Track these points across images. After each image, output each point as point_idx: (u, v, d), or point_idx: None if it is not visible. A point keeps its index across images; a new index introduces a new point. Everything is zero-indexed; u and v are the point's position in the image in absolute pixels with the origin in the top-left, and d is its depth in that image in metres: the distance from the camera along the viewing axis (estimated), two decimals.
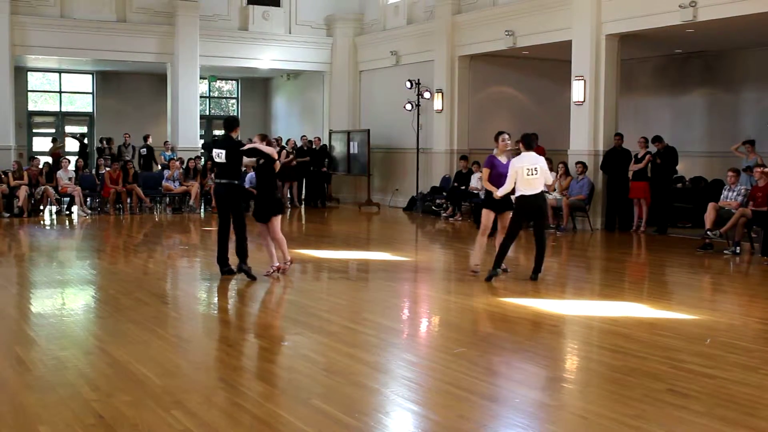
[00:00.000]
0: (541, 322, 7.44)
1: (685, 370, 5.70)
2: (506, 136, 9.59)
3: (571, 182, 14.92)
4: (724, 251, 11.83)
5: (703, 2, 12.90)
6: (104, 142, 20.12)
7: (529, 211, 9.27)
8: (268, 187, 9.47)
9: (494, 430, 4.70)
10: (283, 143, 21.00)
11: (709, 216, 12.13)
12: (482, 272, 9.52)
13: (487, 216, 9.57)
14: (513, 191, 9.22)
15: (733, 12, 12.62)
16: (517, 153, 9.54)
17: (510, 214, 9.41)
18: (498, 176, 9.41)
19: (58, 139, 21.59)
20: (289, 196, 20.52)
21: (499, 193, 9.24)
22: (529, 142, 9.22)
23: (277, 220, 9.39)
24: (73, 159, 19.67)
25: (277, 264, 9.50)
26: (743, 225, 11.76)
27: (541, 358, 6.21)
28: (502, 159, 9.50)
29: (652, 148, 14.59)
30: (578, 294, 9.44)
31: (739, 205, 12.04)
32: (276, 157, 9.44)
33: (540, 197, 9.26)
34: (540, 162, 9.18)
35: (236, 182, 9.54)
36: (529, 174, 9.04)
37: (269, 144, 9.77)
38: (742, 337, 6.89)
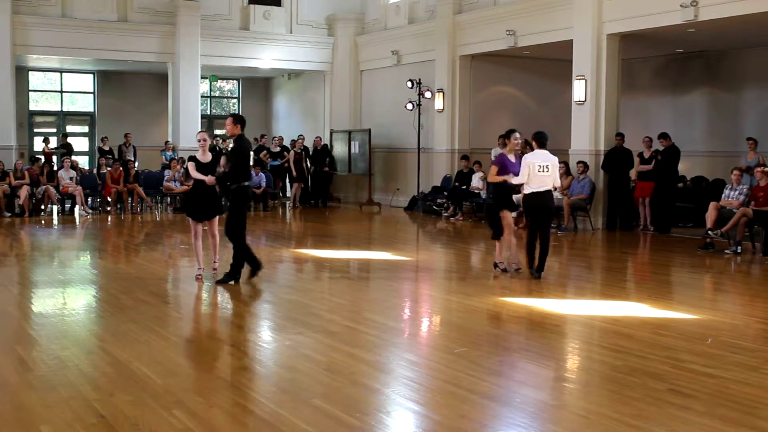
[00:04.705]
0: (543, 321, 7.44)
1: (686, 370, 5.70)
2: (518, 135, 9.68)
3: (572, 182, 14.91)
4: (726, 251, 11.82)
5: (704, 2, 12.89)
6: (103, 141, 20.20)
7: (539, 208, 9.34)
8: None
9: (495, 430, 4.70)
10: (285, 143, 21.08)
11: (711, 215, 12.13)
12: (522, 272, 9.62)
13: (506, 216, 9.63)
14: (518, 191, 9.29)
15: (734, 12, 12.61)
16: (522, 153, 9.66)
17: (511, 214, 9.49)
18: (507, 174, 9.49)
19: (49, 138, 21.50)
20: (287, 196, 20.60)
21: (514, 181, 9.28)
22: (541, 140, 9.33)
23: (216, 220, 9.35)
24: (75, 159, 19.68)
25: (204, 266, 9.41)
26: (744, 224, 11.75)
27: (543, 358, 6.21)
28: (512, 157, 9.57)
29: (657, 145, 14.57)
30: (579, 293, 9.44)
31: (740, 205, 12.02)
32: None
33: (548, 195, 9.35)
34: (552, 160, 9.27)
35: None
36: (540, 171, 9.10)
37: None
38: (744, 336, 6.89)
